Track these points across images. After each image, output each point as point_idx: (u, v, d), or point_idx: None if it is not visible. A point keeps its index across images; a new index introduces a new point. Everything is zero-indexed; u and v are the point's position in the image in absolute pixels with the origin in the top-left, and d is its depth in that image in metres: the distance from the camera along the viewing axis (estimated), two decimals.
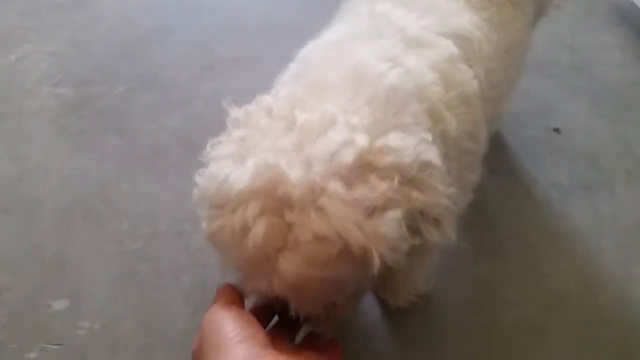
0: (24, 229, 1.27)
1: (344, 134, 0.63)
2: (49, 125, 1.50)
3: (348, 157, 0.61)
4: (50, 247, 1.23)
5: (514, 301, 1.26)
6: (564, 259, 1.35)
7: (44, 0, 1.89)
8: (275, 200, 0.61)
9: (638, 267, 1.34)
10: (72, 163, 1.42)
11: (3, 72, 1.65)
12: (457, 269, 1.31)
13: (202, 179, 0.70)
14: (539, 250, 1.36)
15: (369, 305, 1.22)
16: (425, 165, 0.67)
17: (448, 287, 1.28)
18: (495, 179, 1.49)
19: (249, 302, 0.76)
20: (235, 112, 0.74)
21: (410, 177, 0.65)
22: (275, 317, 0.78)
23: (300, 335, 0.80)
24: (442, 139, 0.80)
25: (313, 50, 0.89)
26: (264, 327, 0.70)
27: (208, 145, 0.74)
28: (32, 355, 1.07)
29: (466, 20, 0.95)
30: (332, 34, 0.92)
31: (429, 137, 0.72)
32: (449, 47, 0.88)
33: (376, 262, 0.61)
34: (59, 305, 1.14)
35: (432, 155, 0.69)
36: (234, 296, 0.72)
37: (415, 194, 0.65)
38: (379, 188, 0.61)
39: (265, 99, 0.75)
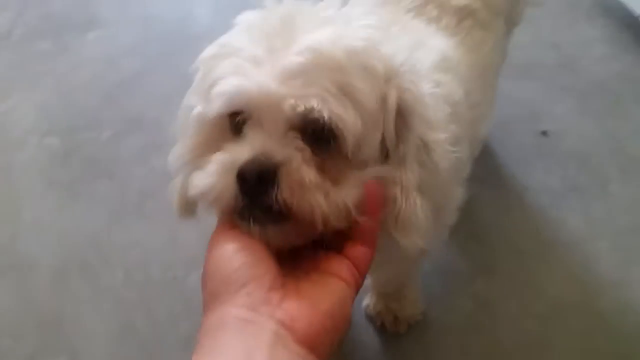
0: (21, 290, 1.29)
1: None
2: (39, 179, 1.52)
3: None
4: (48, 305, 1.25)
5: (512, 317, 1.25)
6: (560, 267, 1.34)
7: (27, 50, 1.91)
8: None
9: (637, 268, 1.34)
10: (64, 216, 1.44)
11: None
12: (454, 289, 1.31)
13: None
14: (535, 260, 1.35)
15: (368, 337, 1.22)
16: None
17: (446, 308, 1.28)
18: (485, 190, 1.48)
19: None
20: None
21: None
22: None
23: None
24: None
25: None
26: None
27: None
28: None
29: (443, 42, 0.95)
30: None
31: None
32: (433, 54, 0.90)
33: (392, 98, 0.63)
34: None
35: None
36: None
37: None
38: None
39: None
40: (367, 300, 1.24)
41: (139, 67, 1.81)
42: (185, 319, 1.22)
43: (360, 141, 0.61)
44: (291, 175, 0.58)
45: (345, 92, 0.59)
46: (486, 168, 1.53)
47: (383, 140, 0.66)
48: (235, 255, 0.57)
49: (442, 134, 0.71)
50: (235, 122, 0.63)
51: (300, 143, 0.60)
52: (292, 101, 0.57)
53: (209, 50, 0.67)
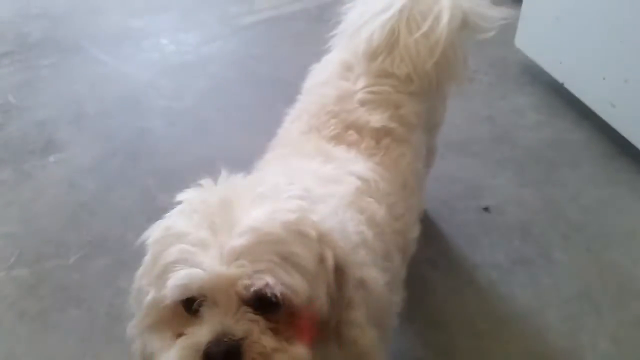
0: None
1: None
2: (8, 312, 1.56)
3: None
4: None
5: None
6: (513, 343, 1.42)
7: None
8: None
9: (586, 335, 1.42)
10: (37, 348, 1.47)
11: None
12: None
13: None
14: (489, 339, 1.42)
15: None
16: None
17: None
18: (436, 273, 1.57)
19: None
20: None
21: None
22: None
23: None
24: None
25: None
26: None
27: None
28: None
29: (361, 167, 1.05)
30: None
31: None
32: (354, 182, 1.00)
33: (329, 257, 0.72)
34: None
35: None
36: None
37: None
38: None
39: None
40: None
41: (99, 186, 1.88)
42: None
43: (309, 299, 0.69)
44: (253, 347, 0.65)
45: (288, 260, 0.68)
46: (436, 250, 1.62)
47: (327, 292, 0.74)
48: None
49: (372, 271, 0.81)
50: (192, 306, 0.69)
51: (253, 315, 0.67)
52: (245, 281, 0.65)
53: (155, 234, 0.75)
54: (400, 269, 1.08)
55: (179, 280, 0.66)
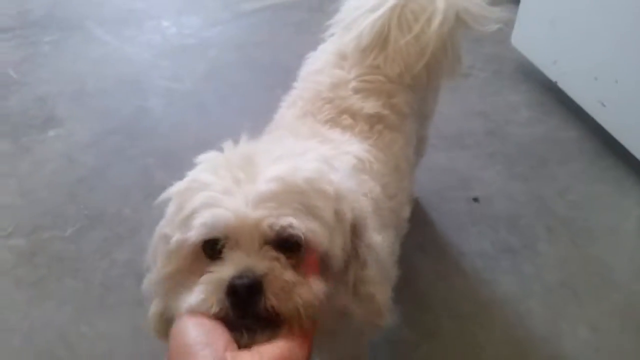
0: None
1: None
2: (5, 279, 1.59)
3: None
4: None
5: None
6: (497, 327, 1.46)
7: None
8: None
9: (566, 323, 1.47)
10: (32, 314, 1.51)
11: None
12: (401, 356, 1.42)
13: None
14: (473, 322, 1.47)
15: None
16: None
17: None
18: (425, 258, 1.62)
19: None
20: None
21: None
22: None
23: None
24: None
25: None
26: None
27: None
28: None
29: (356, 147, 1.09)
30: None
31: None
32: (350, 160, 1.04)
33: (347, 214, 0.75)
34: None
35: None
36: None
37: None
38: None
39: None
40: None
41: (97, 162, 1.91)
42: None
43: (326, 248, 0.72)
44: (274, 282, 0.68)
45: (310, 211, 0.71)
46: (425, 236, 1.67)
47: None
48: (194, 327, 0.65)
49: (378, 236, 0.85)
50: (216, 247, 0.71)
51: (275, 253, 0.70)
52: (271, 219, 0.68)
53: (180, 185, 0.77)
54: (394, 245, 1.12)
55: (206, 218, 0.69)
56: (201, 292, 0.69)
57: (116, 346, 1.43)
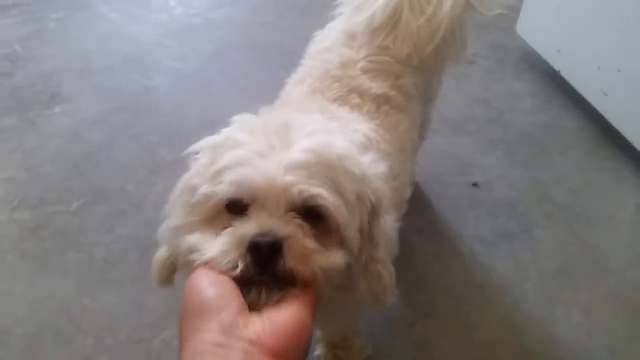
0: None
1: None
2: (10, 252, 1.62)
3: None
4: None
5: (449, 356, 1.39)
6: (491, 309, 1.49)
7: None
8: None
9: (560, 307, 1.50)
10: (36, 286, 1.54)
11: None
12: (397, 333, 1.44)
13: None
14: (468, 304, 1.50)
15: None
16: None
17: (390, 352, 1.41)
18: (423, 239, 1.64)
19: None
20: None
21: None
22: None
23: None
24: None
25: None
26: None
27: None
28: None
29: (364, 126, 1.11)
30: None
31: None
32: (359, 138, 1.05)
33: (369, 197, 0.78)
34: None
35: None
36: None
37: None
38: None
39: None
40: (317, 350, 1.37)
41: (102, 139, 1.94)
42: None
43: (345, 225, 0.74)
44: (295, 246, 0.70)
45: (336, 187, 0.74)
46: (424, 219, 1.69)
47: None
48: (210, 286, 0.66)
49: (391, 215, 0.88)
50: (241, 205, 0.72)
51: (299, 220, 0.72)
52: (301, 186, 0.70)
53: (212, 140, 0.79)
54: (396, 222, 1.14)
55: (236, 177, 0.71)
56: (223, 245, 0.70)
57: (117, 319, 1.46)
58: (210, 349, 0.59)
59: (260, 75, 2.19)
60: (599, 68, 1.86)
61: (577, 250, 1.63)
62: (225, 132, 0.79)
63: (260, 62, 2.25)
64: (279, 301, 0.68)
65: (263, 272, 0.68)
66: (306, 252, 0.70)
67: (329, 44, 1.28)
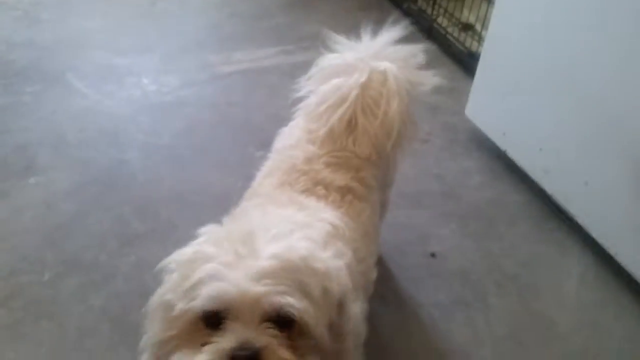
0: None
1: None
2: None
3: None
4: None
5: None
6: None
7: None
8: None
9: None
10: (6, 357, 1.55)
11: None
12: None
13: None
14: None
15: None
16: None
17: None
18: (387, 309, 1.74)
19: None
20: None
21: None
22: None
23: None
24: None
25: None
26: None
27: None
28: None
29: (330, 215, 1.21)
30: None
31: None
32: (325, 227, 1.15)
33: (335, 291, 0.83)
34: None
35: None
36: None
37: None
38: None
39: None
40: None
41: (76, 210, 1.99)
42: None
43: (314, 326, 0.81)
44: (272, 357, 0.76)
45: (302, 289, 0.80)
46: (386, 288, 1.80)
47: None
48: None
49: (356, 307, 0.97)
50: (217, 318, 0.79)
51: (273, 331, 0.78)
52: (273, 298, 0.76)
53: (183, 255, 0.86)
54: (364, 304, 1.24)
55: (211, 291, 0.76)
56: None
57: None
58: None
59: (229, 150, 2.31)
60: (540, 149, 2.06)
61: (527, 317, 1.76)
62: (194, 247, 0.86)
63: (230, 138, 2.37)
64: None
65: None
66: None
67: (294, 141, 1.39)
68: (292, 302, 0.77)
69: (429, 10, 3.22)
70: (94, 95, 2.54)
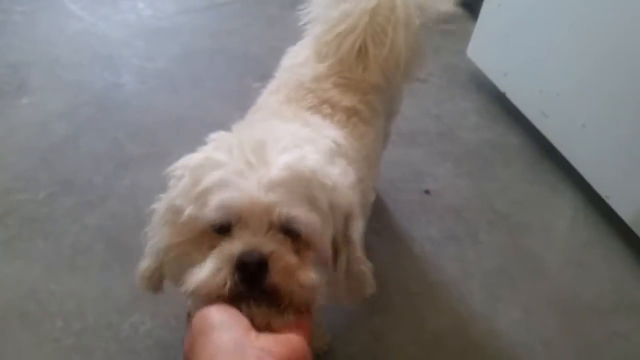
0: None
1: None
2: None
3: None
4: None
5: (401, 345, 1.51)
6: (440, 303, 1.63)
7: None
8: None
9: (501, 304, 1.64)
10: (2, 271, 1.55)
11: None
12: (356, 325, 1.55)
13: None
14: (420, 299, 1.63)
15: None
16: None
17: (348, 341, 1.51)
18: (381, 241, 1.76)
19: None
20: None
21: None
22: None
23: None
24: None
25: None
26: None
27: None
28: None
29: (334, 133, 1.21)
30: None
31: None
32: (328, 143, 1.15)
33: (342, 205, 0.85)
34: None
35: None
36: None
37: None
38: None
39: None
40: None
41: (70, 131, 1.97)
42: None
43: (319, 240, 0.81)
44: (279, 261, 0.76)
45: (311, 201, 0.80)
46: (381, 222, 1.82)
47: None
48: (217, 311, 0.70)
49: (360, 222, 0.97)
50: (225, 225, 0.78)
51: (281, 237, 0.78)
52: (283, 209, 0.76)
53: (193, 160, 0.84)
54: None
55: (222, 201, 0.76)
56: (212, 265, 0.76)
57: (85, 304, 1.50)
58: (226, 353, 0.64)
59: (226, 79, 2.27)
60: (540, 92, 2.05)
61: (515, 254, 1.79)
62: (204, 152, 0.85)
63: (227, 67, 2.33)
64: (270, 315, 0.74)
65: (251, 288, 0.74)
66: (289, 268, 0.76)
67: (303, 60, 1.37)
68: (301, 216, 0.77)
69: None
70: (88, 18, 2.47)
